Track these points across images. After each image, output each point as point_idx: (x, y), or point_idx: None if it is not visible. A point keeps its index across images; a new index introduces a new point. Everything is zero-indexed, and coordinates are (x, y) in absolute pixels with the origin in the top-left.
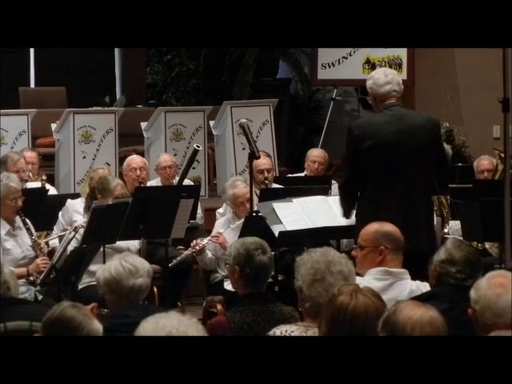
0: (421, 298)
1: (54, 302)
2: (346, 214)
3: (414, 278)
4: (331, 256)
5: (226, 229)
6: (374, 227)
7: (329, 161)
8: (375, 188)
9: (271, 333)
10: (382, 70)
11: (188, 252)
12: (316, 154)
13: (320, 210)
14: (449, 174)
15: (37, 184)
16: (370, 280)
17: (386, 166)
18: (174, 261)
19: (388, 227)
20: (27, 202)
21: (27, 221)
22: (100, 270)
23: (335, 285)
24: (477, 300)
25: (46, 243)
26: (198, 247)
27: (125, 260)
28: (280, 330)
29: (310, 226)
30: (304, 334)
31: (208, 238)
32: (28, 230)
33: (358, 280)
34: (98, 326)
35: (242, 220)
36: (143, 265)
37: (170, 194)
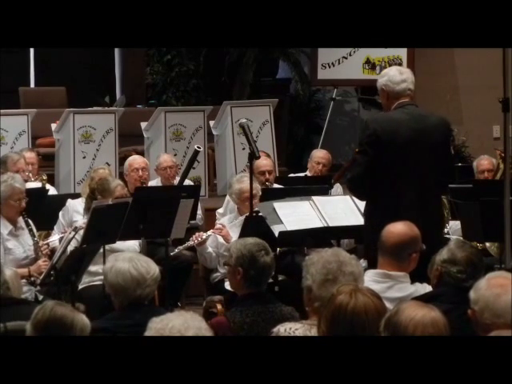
0: (422, 299)
1: None
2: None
3: (424, 275)
4: (342, 256)
5: (229, 223)
6: None
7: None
8: (390, 186)
9: (275, 330)
10: (396, 68)
11: (190, 243)
12: (320, 156)
13: (341, 209)
14: (452, 174)
15: (37, 184)
16: (368, 282)
17: (401, 163)
18: (176, 250)
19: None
20: (28, 202)
21: (30, 222)
22: (109, 266)
23: None
24: (476, 300)
25: (47, 245)
26: (200, 239)
27: (134, 267)
28: (284, 328)
29: (320, 226)
30: (308, 332)
31: (211, 230)
32: (30, 230)
33: None
34: (86, 320)
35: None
36: (151, 272)
37: (170, 194)
